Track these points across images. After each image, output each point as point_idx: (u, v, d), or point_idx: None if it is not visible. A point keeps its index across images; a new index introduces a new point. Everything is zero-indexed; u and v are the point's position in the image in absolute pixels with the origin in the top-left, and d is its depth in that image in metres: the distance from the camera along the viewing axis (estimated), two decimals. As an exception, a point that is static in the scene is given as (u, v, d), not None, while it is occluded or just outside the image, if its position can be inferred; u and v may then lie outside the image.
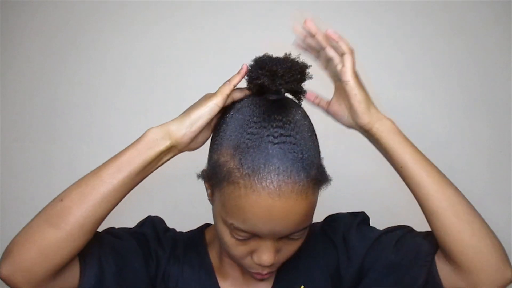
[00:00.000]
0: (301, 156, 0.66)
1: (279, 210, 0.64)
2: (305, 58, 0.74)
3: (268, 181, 0.63)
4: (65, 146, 1.35)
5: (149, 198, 1.25)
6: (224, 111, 0.73)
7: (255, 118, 0.68)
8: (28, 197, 1.35)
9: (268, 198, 0.63)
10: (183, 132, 0.69)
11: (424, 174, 0.70)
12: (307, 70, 0.73)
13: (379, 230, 0.81)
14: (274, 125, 0.67)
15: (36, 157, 1.35)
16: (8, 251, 0.67)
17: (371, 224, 0.84)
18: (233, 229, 0.68)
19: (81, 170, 1.33)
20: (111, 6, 1.35)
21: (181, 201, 1.28)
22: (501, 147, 1.28)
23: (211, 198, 0.73)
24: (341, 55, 0.75)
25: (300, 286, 0.78)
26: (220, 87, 0.71)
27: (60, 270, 0.66)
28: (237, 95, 0.73)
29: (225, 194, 0.67)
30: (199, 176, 0.74)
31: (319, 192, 0.70)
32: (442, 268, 0.72)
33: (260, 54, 0.72)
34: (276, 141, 0.66)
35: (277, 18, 1.33)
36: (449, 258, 0.70)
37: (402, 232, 0.78)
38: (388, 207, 1.18)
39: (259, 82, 0.70)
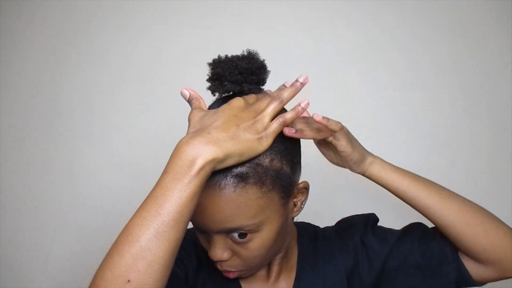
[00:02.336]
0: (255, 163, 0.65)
1: (199, 204, 0.62)
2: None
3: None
4: (65, 146, 1.35)
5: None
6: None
7: None
8: (28, 197, 1.35)
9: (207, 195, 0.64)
10: (227, 166, 0.62)
11: (425, 197, 0.75)
12: (261, 70, 0.70)
13: (394, 231, 0.83)
14: None
15: (36, 157, 1.35)
16: None
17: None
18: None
19: (81, 170, 1.34)
20: (111, 6, 1.35)
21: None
22: (501, 147, 1.28)
23: None
24: (334, 132, 0.73)
25: None
26: (273, 125, 0.66)
27: None
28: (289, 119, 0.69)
29: None
30: None
31: (284, 198, 0.69)
32: (468, 263, 0.76)
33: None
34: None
35: (277, 18, 1.33)
36: (471, 257, 0.75)
37: (420, 232, 0.80)
38: (389, 207, 1.19)
39: (208, 87, 0.71)
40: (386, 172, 0.76)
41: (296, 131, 0.69)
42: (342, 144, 0.73)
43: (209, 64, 0.71)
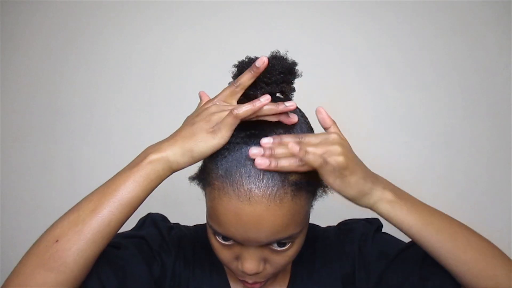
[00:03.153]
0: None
1: (249, 215, 0.61)
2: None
3: (238, 183, 0.61)
4: (65, 146, 1.35)
5: (149, 197, 1.25)
6: None
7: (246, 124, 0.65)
8: (28, 197, 1.35)
9: (238, 202, 0.61)
10: (184, 165, 0.65)
11: (437, 246, 0.67)
12: (296, 68, 0.67)
13: (395, 242, 0.79)
14: (249, 126, 0.64)
15: (36, 157, 1.35)
16: None
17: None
18: (212, 231, 0.67)
19: (81, 170, 1.34)
20: (111, 6, 1.35)
21: (182, 201, 1.28)
22: (501, 147, 1.28)
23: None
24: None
25: None
26: (226, 117, 0.63)
27: None
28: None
29: (206, 196, 0.67)
30: (189, 178, 0.71)
31: (313, 200, 0.67)
32: None
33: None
34: (250, 142, 0.63)
35: (277, 18, 1.33)
36: None
37: (422, 252, 0.73)
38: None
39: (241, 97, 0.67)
40: (395, 214, 0.66)
41: (271, 162, 0.61)
42: (327, 180, 0.62)
43: (238, 66, 0.68)
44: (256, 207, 0.61)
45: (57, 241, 0.61)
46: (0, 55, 1.36)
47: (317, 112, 0.67)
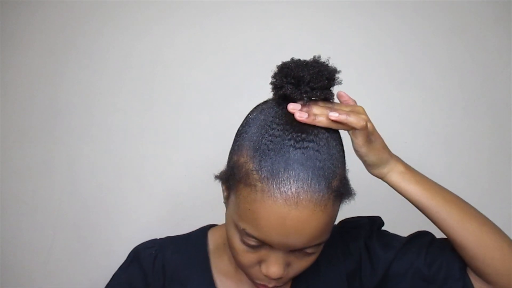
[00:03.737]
0: (323, 164, 0.62)
1: (295, 219, 0.60)
2: (334, 62, 0.71)
3: (286, 186, 0.60)
4: (65, 146, 1.34)
5: (149, 197, 1.25)
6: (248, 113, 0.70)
7: (277, 119, 0.65)
8: (28, 197, 1.34)
9: (285, 205, 0.60)
10: None
11: (446, 215, 0.71)
12: (336, 75, 0.69)
13: (400, 237, 0.80)
14: (297, 129, 0.64)
15: (36, 157, 1.35)
16: None
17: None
18: (244, 234, 0.64)
19: (81, 170, 1.34)
20: (111, 6, 1.35)
21: (181, 201, 1.28)
22: (501, 147, 1.28)
23: (226, 201, 0.70)
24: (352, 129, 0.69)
25: None
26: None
27: None
28: None
29: (241, 197, 0.63)
30: (216, 177, 0.70)
31: (340, 206, 0.67)
32: (476, 282, 0.72)
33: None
34: (298, 145, 0.62)
35: (277, 18, 1.33)
36: (481, 277, 0.71)
37: (428, 242, 0.77)
38: (392, 209, 1.18)
39: (282, 91, 0.66)
40: (406, 183, 0.71)
41: (309, 115, 0.64)
42: (357, 143, 0.68)
43: (283, 68, 0.67)
44: (302, 211, 0.60)
45: None
46: (0, 55, 1.36)
47: (338, 96, 0.71)
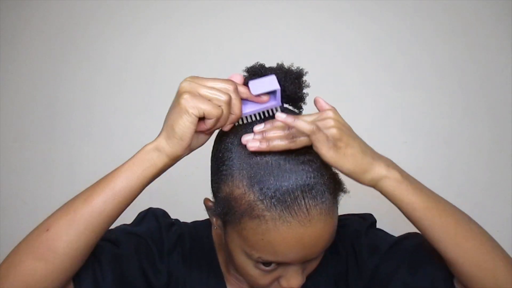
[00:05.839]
0: (321, 173, 0.61)
1: (311, 236, 0.60)
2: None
3: (296, 208, 0.59)
4: (65, 146, 1.35)
5: (149, 197, 1.25)
6: (221, 134, 0.67)
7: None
8: (28, 197, 1.35)
9: (299, 226, 0.59)
10: (176, 148, 0.61)
11: (439, 229, 0.64)
12: (304, 78, 0.66)
13: (388, 237, 0.77)
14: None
15: (36, 157, 1.35)
16: None
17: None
18: (259, 262, 0.63)
19: (81, 170, 1.34)
20: (111, 6, 1.35)
21: (181, 201, 1.28)
22: (501, 147, 1.28)
23: (222, 229, 0.68)
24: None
25: None
26: (188, 99, 0.60)
27: None
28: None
29: (248, 229, 0.61)
30: (208, 209, 0.69)
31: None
32: None
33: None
34: (292, 162, 0.60)
35: (277, 18, 1.33)
36: None
37: (415, 246, 0.72)
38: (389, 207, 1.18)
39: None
40: (401, 193, 0.63)
41: (260, 141, 0.60)
42: (320, 153, 0.59)
43: (249, 71, 0.66)
44: (316, 226, 0.60)
45: (47, 230, 0.59)
46: (0, 55, 1.36)
47: (315, 101, 0.65)
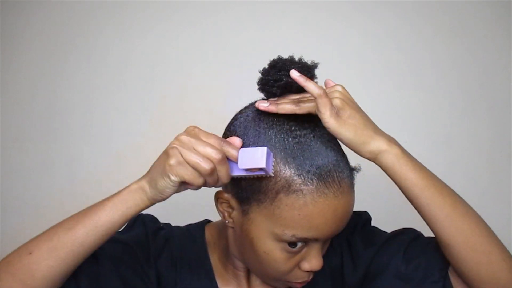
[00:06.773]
0: (341, 153, 0.66)
1: (344, 207, 0.63)
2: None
3: (330, 180, 0.62)
4: (65, 146, 1.35)
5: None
6: (236, 117, 0.71)
7: (291, 118, 0.65)
8: (28, 197, 1.35)
9: (334, 197, 0.62)
10: (157, 197, 0.64)
11: (437, 208, 0.65)
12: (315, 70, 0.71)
13: (384, 233, 0.78)
14: (307, 125, 0.65)
15: (36, 157, 1.35)
16: None
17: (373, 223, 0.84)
18: (291, 241, 0.64)
19: (81, 170, 1.34)
20: (111, 6, 1.35)
21: (181, 200, 1.28)
22: (501, 147, 1.28)
23: (239, 220, 0.68)
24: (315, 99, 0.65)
25: None
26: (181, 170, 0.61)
27: None
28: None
29: (282, 206, 0.62)
30: (218, 199, 0.69)
31: None
32: (457, 285, 0.69)
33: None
34: (319, 143, 0.63)
35: (277, 18, 1.33)
36: (463, 280, 0.67)
37: (409, 238, 0.74)
38: (387, 205, 1.18)
39: (282, 82, 0.67)
40: (401, 168, 0.65)
41: (270, 103, 0.65)
42: (323, 117, 0.63)
43: (276, 63, 0.68)
44: (346, 198, 0.63)
45: (30, 253, 0.62)
46: (0, 55, 1.36)
47: (325, 83, 0.71)
